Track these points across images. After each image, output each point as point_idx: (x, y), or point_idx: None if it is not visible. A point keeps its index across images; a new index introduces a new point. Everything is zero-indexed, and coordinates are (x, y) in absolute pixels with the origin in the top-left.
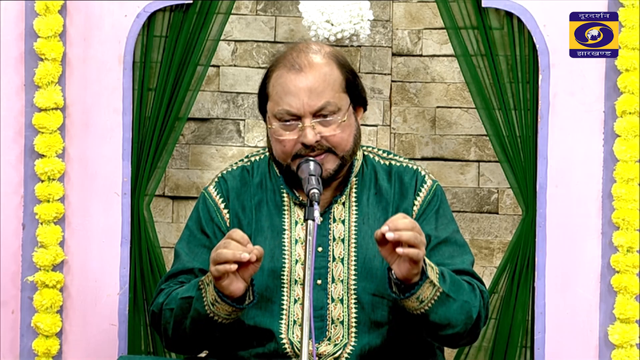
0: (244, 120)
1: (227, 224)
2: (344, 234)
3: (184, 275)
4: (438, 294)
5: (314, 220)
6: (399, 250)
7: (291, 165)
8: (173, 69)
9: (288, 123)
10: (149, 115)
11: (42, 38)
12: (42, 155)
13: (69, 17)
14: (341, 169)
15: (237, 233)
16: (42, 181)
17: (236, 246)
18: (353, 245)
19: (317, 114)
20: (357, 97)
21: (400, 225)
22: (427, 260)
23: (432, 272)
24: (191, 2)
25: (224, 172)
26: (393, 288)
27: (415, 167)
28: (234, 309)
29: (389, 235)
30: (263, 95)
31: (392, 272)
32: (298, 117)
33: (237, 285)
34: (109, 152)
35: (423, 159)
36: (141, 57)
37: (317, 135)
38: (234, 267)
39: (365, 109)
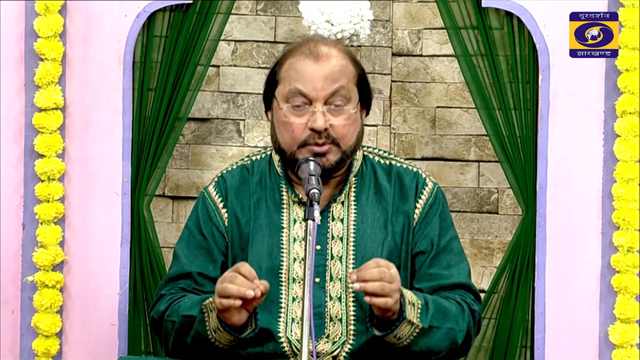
0: (244, 120)
1: (226, 223)
2: (343, 233)
3: (183, 280)
4: (417, 330)
5: (313, 220)
6: (366, 299)
7: (296, 154)
8: (173, 69)
9: (299, 107)
10: (149, 115)
11: (42, 38)
12: (42, 155)
13: (69, 17)
14: (341, 163)
15: (245, 267)
16: (42, 181)
17: (242, 281)
18: (352, 244)
19: (329, 102)
20: (365, 95)
21: (367, 276)
22: (409, 297)
23: (412, 311)
24: (191, 2)
25: (224, 171)
26: (374, 321)
27: (415, 169)
28: (235, 338)
29: (355, 286)
30: (272, 82)
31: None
32: (309, 102)
33: (239, 317)
34: (109, 152)
35: (423, 159)
36: (141, 57)
37: (327, 123)
38: (238, 302)
39: (368, 113)
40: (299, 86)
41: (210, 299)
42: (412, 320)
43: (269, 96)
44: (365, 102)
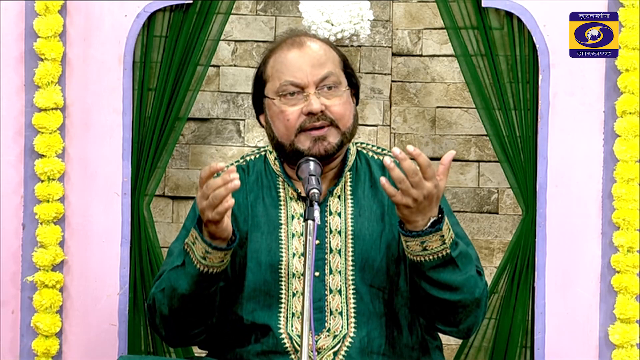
0: (244, 120)
1: None
2: (341, 227)
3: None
4: (444, 253)
5: (314, 220)
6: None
7: (295, 143)
8: (173, 69)
9: (292, 96)
10: (149, 115)
11: (42, 38)
12: (42, 155)
13: (69, 17)
14: (341, 147)
15: (204, 171)
16: (42, 181)
17: (215, 182)
18: (350, 237)
19: (320, 86)
20: (351, 81)
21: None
22: (447, 221)
23: (447, 232)
24: (191, 2)
25: (220, 172)
26: (402, 225)
27: None
28: (225, 252)
29: (395, 152)
30: (260, 83)
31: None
32: (301, 90)
33: (227, 222)
34: (109, 152)
35: None
36: (141, 57)
37: (322, 105)
38: (232, 201)
39: (357, 102)
40: (289, 78)
41: (187, 239)
42: (445, 237)
43: (259, 98)
44: (352, 87)
